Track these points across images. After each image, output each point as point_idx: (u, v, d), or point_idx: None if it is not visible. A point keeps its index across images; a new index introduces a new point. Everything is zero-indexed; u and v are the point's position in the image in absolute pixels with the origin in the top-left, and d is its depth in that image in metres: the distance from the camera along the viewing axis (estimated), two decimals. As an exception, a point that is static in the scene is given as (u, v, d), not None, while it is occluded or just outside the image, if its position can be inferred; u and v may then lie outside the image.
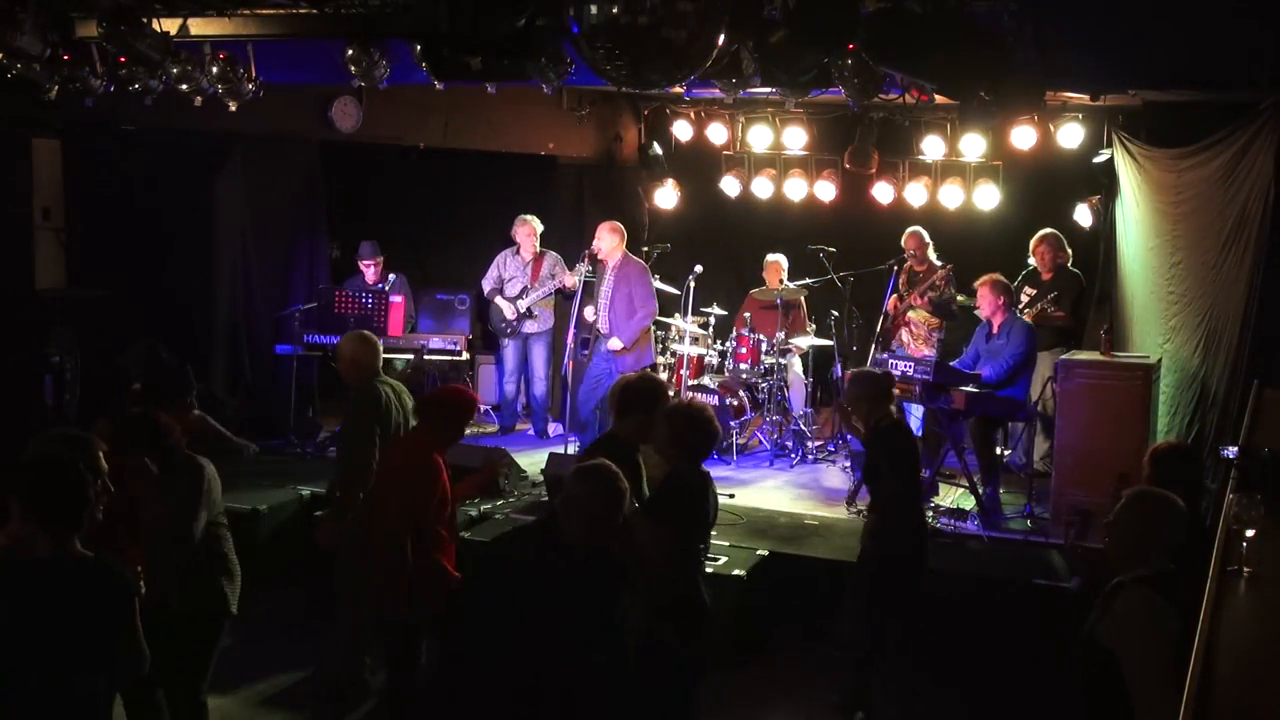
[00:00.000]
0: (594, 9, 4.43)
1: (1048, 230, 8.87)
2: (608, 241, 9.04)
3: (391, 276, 9.63)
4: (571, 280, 9.37)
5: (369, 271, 9.50)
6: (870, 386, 5.98)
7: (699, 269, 9.12)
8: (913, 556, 5.82)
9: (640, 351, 9.05)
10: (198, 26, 6.49)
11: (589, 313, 9.17)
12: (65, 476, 3.58)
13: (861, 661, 5.84)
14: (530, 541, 4.27)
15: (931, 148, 9.94)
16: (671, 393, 9.46)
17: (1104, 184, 9.28)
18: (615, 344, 8.91)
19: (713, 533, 7.10)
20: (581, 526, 3.97)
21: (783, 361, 9.32)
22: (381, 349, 6.21)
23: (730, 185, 11.01)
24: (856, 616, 5.84)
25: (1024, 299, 8.62)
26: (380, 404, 5.88)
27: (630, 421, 4.96)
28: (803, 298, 9.89)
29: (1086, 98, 8.38)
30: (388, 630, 5.26)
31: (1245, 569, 3.37)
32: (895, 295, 9.27)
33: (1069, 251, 8.82)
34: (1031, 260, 8.86)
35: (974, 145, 9.79)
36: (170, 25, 6.40)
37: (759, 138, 10.66)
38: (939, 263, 9.25)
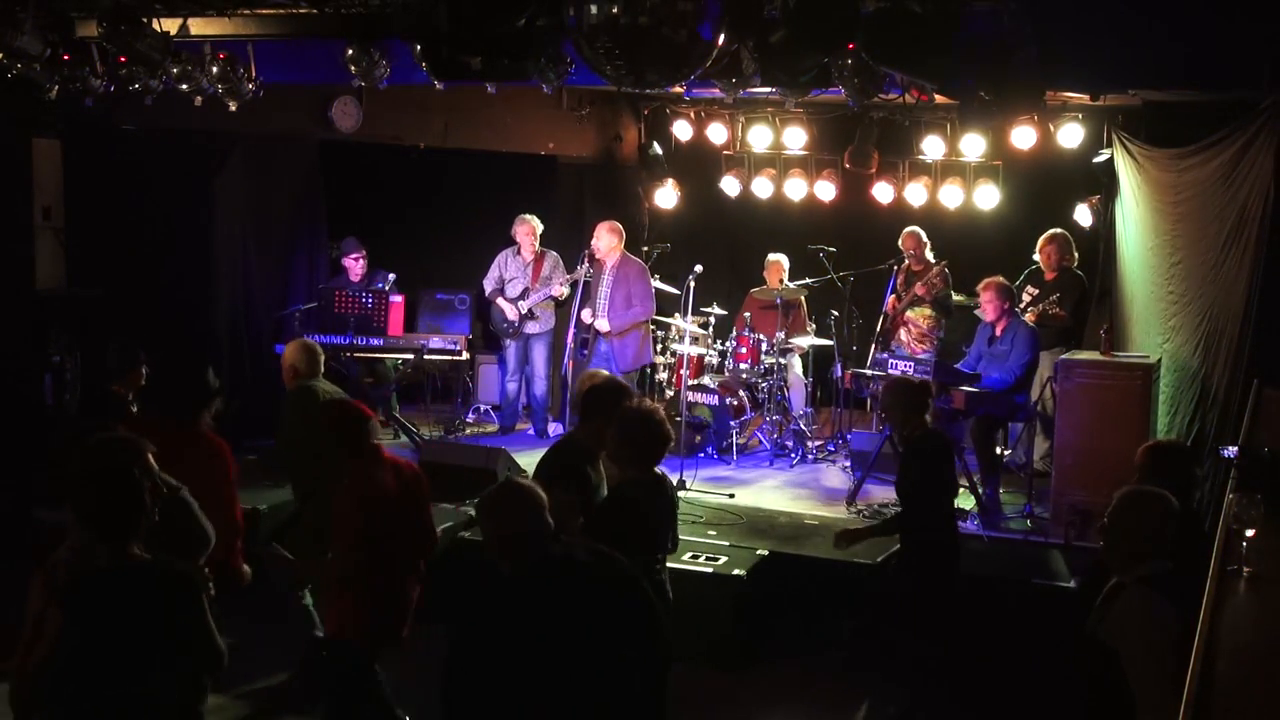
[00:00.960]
0: (594, 9, 4.43)
1: (1057, 230, 8.84)
2: (606, 241, 9.04)
3: (391, 276, 9.62)
4: (560, 290, 9.39)
5: (355, 266, 9.49)
6: (903, 394, 5.88)
7: (699, 269, 9.13)
8: (953, 580, 5.77)
9: (639, 352, 9.06)
10: (198, 26, 6.49)
11: (586, 315, 9.17)
12: (122, 484, 3.54)
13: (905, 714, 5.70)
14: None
15: (931, 148, 9.95)
16: (671, 393, 9.55)
17: (1104, 184, 9.28)
18: (603, 325, 8.93)
19: (711, 532, 7.18)
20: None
21: (783, 361, 9.32)
22: (322, 356, 6.33)
23: (730, 185, 11.01)
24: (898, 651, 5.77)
25: (1026, 298, 8.62)
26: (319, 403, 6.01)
27: (590, 426, 4.86)
28: (803, 297, 9.89)
29: (1086, 98, 8.38)
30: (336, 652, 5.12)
31: (1245, 569, 3.36)
32: (894, 296, 9.27)
33: (1075, 254, 8.80)
34: (1037, 258, 8.85)
35: (974, 145, 9.79)
36: (170, 25, 6.40)
37: (759, 138, 10.67)
38: (933, 260, 9.25)
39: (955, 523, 6.00)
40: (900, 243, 9.36)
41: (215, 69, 6.79)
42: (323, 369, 6.37)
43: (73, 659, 3.48)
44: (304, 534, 5.86)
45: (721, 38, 4.86)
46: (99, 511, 3.54)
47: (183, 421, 5.37)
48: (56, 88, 6.71)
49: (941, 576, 5.67)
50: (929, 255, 9.31)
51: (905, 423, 5.80)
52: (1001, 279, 8.08)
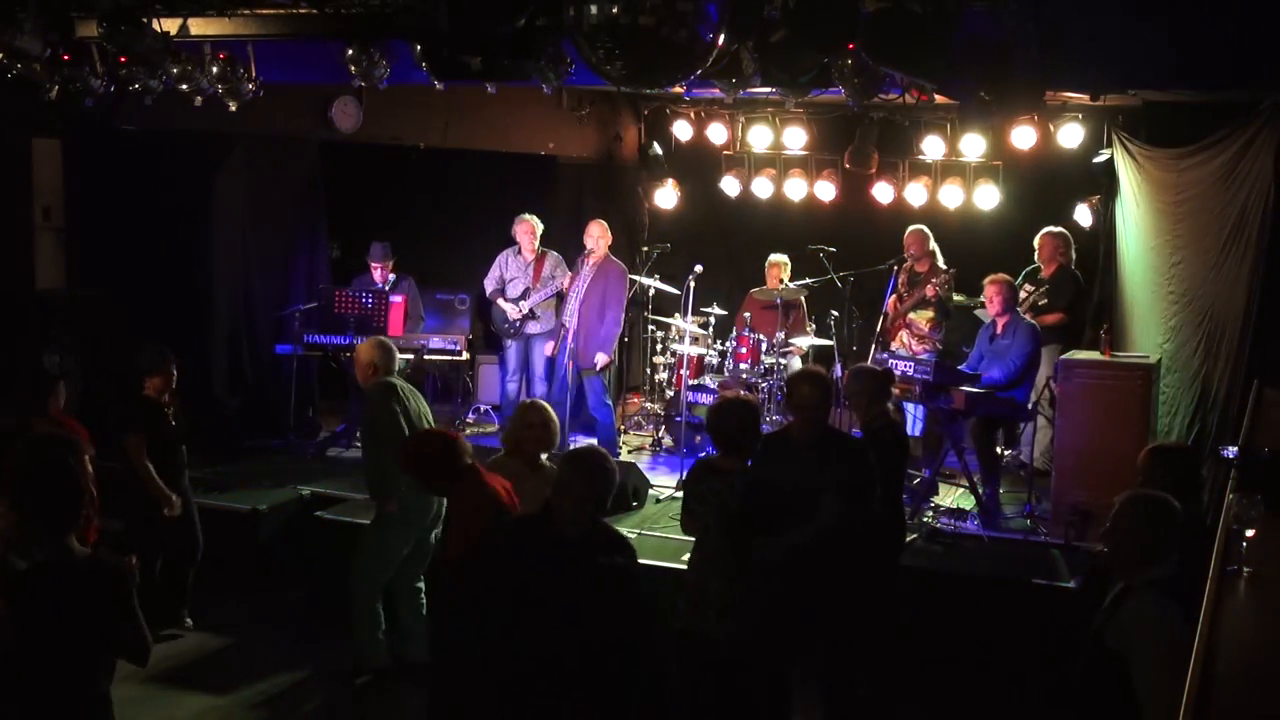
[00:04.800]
0: (594, 9, 4.43)
1: (1053, 227, 8.89)
2: (604, 241, 9.03)
3: (392, 276, 9.63)
4: (565, 284, 9.39)
5: (377, 273, 9.49)
6: (867, 382, 5.97)
7: (699, 269, 9.13)
8: (895, 565, 5.86)
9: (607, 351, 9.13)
10: (198, 26, 6.48)
11: (566, 315, 9.09)
12: (63, 478, 3.60)
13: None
14: (527, 529, 4.29)
15: (931, 148, 9.94)
16: (671, 393, 9.55)
17: (1104, 184, 9.28)
18: (601, 359, 8.96)
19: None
20: (570, 510, 4.07)
21: (783, 361, 9.31)
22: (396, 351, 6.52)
23: (730, 185, 11.01)
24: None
25: (1023, 295, 8.63)
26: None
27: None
28: (803, 298, 9.88)
29: (1086, 98, 8.38)
30: None
31: (1245, 569, 3.36)
32: (895, 296, 9.26)
33: (1073, 253, 8.82)
34: (1036, 258, 8.90)
35: (974, 145, 9.79)
36: (170, 25, 6.39)
37: (759, 138, 10.67)
38: (943, 266, 9.20)
39: (903, 512, 6.12)
40: (905, 240, 9.33)
41: (215, 69, 6.77)
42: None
43: (17, 652, 3.51)
44: None
45: (721, 38, 4.85)
46: (41, 505, 3.58)
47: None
48: (56, 88, 6.70)
49: (885, 560, 5.72)
50: (940, 262, 9.25)
51: (868, 409, 5.88)
52: (1006, 276, 8.09)
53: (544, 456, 5.58)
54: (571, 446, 8.85)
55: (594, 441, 9.13)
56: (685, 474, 5.20)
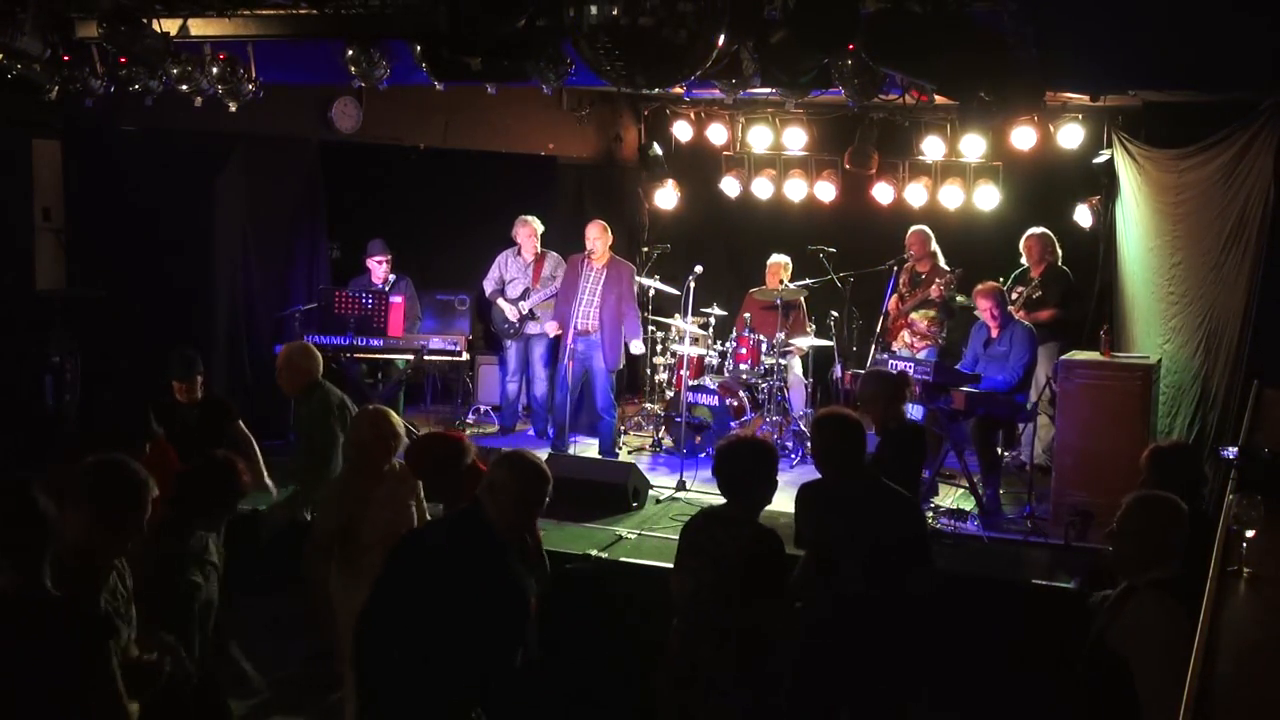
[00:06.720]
0: (594, 9, 4.43)
1: (1038, 229, 8.99)
2: (604, 242, 9.04)
3: (392, 277, 9.63)
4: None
5: (378, 269, 9.48)
6: (882, 385, 5.97)
7: (699, 269, 9.13)
8: None
9: (621, 350, 9.17)
10: (198, 26, 6.48)
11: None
12: (32, 510, 3.32)
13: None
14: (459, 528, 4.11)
15: (931, 148, 9.95)
16: (671, 394, 9.54)
17: (1104, 184, 9.30)
18: (638, 347, 9.05)
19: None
20: (509, 512, 3.95)
21: (783, 362, 9.32)
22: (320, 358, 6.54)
23: (730, 186, 11.01)
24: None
25: (1014, 297, 8.66)
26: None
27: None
28: (803, 298, 9.89)
29: (1086, 98, 8.39)
30: None
31: (1245, 569, 3.36)
32: (896, 295, 9.27)
33: (1059, 251, 8.92)
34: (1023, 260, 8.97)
35: (974, 145, 9.80)
36: (170, 25, 6.39)
37: (759, 138, 10.67)
38: (946, 267, 9.21)
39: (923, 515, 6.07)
40: (906, 241, 9.33)
41: (215, 69, 6.78)
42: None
43: None
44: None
45: (721, 38, 4.85)
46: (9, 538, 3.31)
47: None
48: (56, 88, 6.71)
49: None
50: (942, 262, 9.26)
51: (885, 412, 5.86)
52: (994, 283, 8.13)
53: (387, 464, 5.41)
54: (572, 448, 8.94)
55: (594, 442, 9.16)
56: (686, 523, 4.78)
